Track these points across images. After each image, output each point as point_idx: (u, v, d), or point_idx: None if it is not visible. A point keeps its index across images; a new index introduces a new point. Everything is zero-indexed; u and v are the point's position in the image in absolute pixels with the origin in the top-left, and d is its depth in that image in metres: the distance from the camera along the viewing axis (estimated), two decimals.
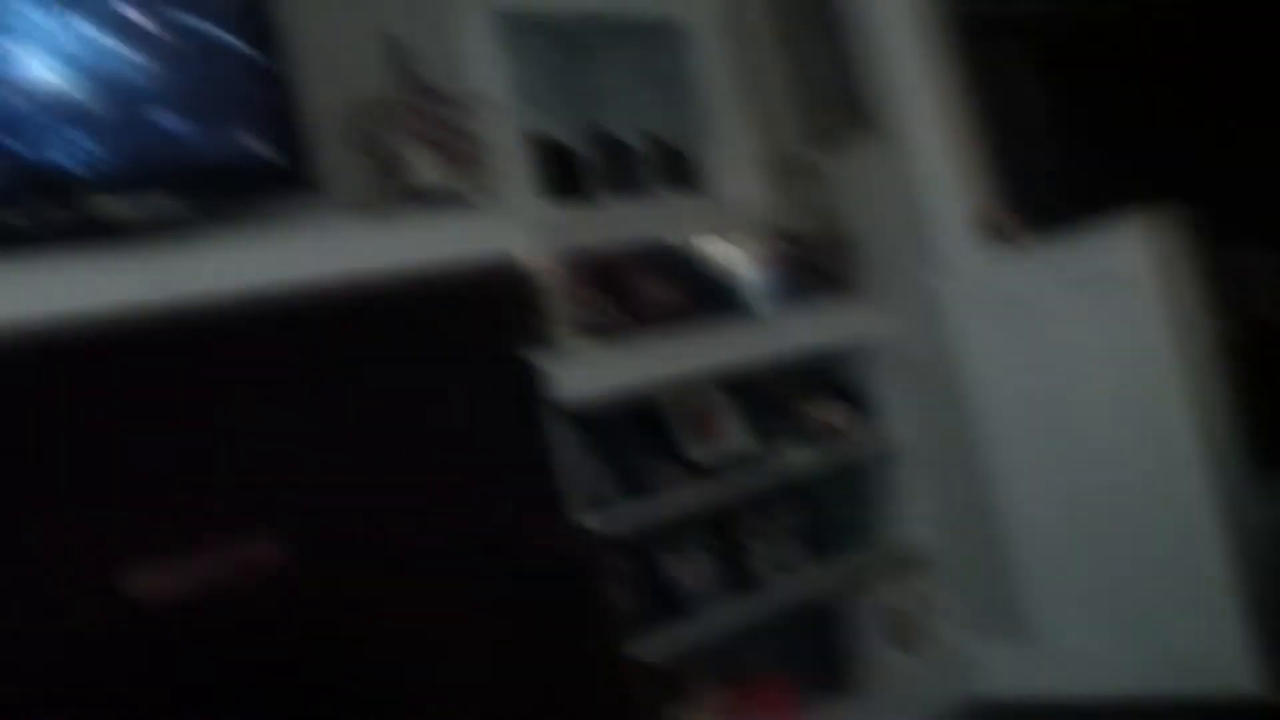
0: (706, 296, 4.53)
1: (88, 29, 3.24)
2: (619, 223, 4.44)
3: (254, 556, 3.15)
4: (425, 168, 3.73)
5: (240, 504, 3.17)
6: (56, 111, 3.15)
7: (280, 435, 3.27)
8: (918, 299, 4.66)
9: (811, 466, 4.46)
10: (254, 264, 3.28)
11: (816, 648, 4.52)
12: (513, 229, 3.81)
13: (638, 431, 4.22)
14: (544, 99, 4.41)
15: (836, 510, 4.69)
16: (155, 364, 3.12)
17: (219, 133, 3.40)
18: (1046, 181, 6.29)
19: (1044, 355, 4.33)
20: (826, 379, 4.79)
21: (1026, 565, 4.48)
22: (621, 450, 4.12)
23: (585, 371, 3.88)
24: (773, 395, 4.57)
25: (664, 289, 4.39)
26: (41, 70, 3.15)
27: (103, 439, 3.01)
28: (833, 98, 4.81)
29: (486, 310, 3.72)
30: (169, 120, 3.32)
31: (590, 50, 4.59)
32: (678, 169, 4.86)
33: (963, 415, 4.59)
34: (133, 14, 3.30)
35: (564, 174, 4.45)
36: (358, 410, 3.41)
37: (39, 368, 2.94)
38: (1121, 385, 4.13)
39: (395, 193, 3.77)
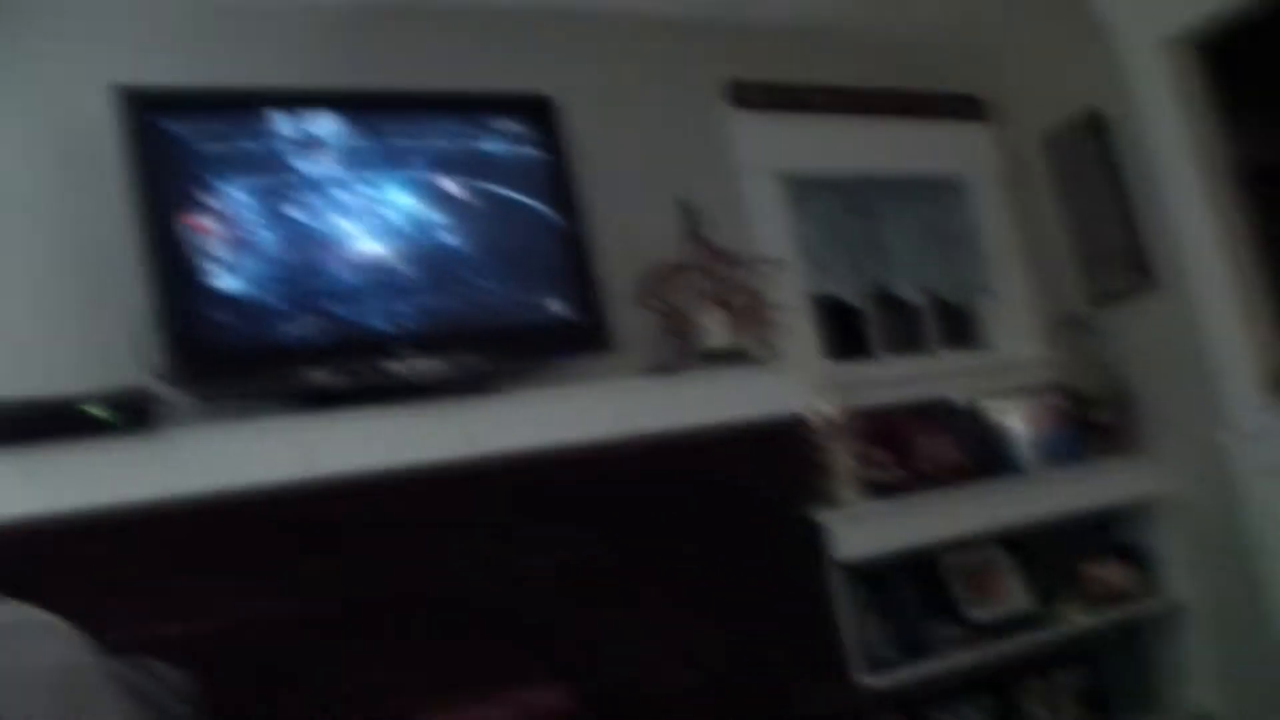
0: (986, 454, 4.53)
1: (410, 202, 3.49)
2: (900, 380, 4.52)
3: (543, 703, 3.26)
4: (713, 327, 3.87)
5: (530, 652, 3.31)
6: (376, 278, 3.40)
7: (568, 585, 3.42)
8: (1203, 456, 4.54)
9: (1092, 626, 4.36)
10: (550, 420, 3.46)
11: None
12: (797, 387, 3.92)
13: (916, 588, 4.22)
14: (827, 258, 4.52)
15: (1118, 671, 4.59)
16: (455, 515, 3.31)
17: (522, 294, 3.61)
18: None
19: None
20: (1108, 537, 4.71)
21: None
22: (900, 607, 4.13)
23: (865, 528, 3.92)
24: (1053, 554, 4.51)
25: (944, 446, 4.41)
26: (366, 241, 3.41)
27: (404, 586, 3.20)
28: (1114, 252, 4.78)
29: (770, 466, 3.82)
30: (476, 283, 3.54)
31: (872, 209, 4.69)
32: (958, 326, 4.90)
33: (1250, 574, 4.41)
34: (451, 187, 3.55)
35: (847, 332, 4.54)
36: (643, 562, 3.53)
37: (348, 519, 3.16)
38: None
39: (684, 351, 3.91)
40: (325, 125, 3.46)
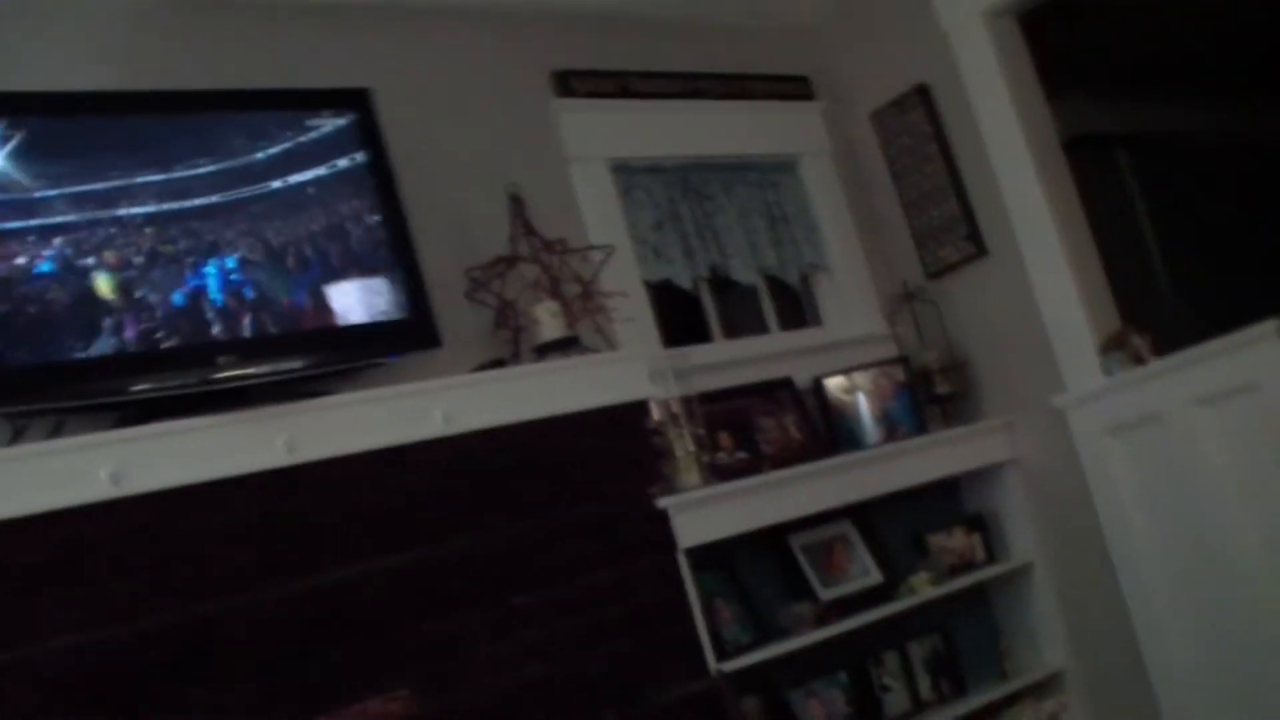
0: (829, 431, 4.55)
1: (223, 204, 3.39)
2: (738, 362, 4.51)
3: (385, 711, 3.21)
4: (546, 318, 3.82)
5: (376, 659, 3.27)
6: (192, 284, 3.30)
7: (410, 589, 3.37)
8: (1043, 420, 4.63)
9: (942, 596, 4.40)
10: (378, 421, 3.39)
11: None
12: (634, 374, 3.89)
13: (767, 570, 4.23)
14: (661, 243, 4.50)
15: (970, 638, 4.66)
16: (282, 526, 3.24)
17: (345, 294, 3.53)
18: (1169, 297, 6.26)
19: (1175, 471, 4.25)
20: (954, 506, 4.78)
21: (1164, 682, 4.38)
22: (750, 590, 4.13)
23: (709, 512, 3.90)
24: (900, 526, 4.56)
25: (786, 426, 4.42)
26: (177, 247, 3.31)
27: (235, 602, 3.12)
28: (947, 224, 4.83)
29: (611, 456, 3.79)
30: (297, 284, 3.46)
31: (704, 192, 4.68)
32: (795, 305, 4.92)
33: (1092, 532, 4.51)
34: (267, 187, 3.47)
35: (683, 317, 4.52)
36: (487, 560, 3.49)
37: (168, 537, 3.07)
38: (1260, 495, 4.05)
39: (518, 344, 3.87)
40: (135, 126, 3.35)
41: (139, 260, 3.24)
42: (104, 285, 3.18)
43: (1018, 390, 4.72)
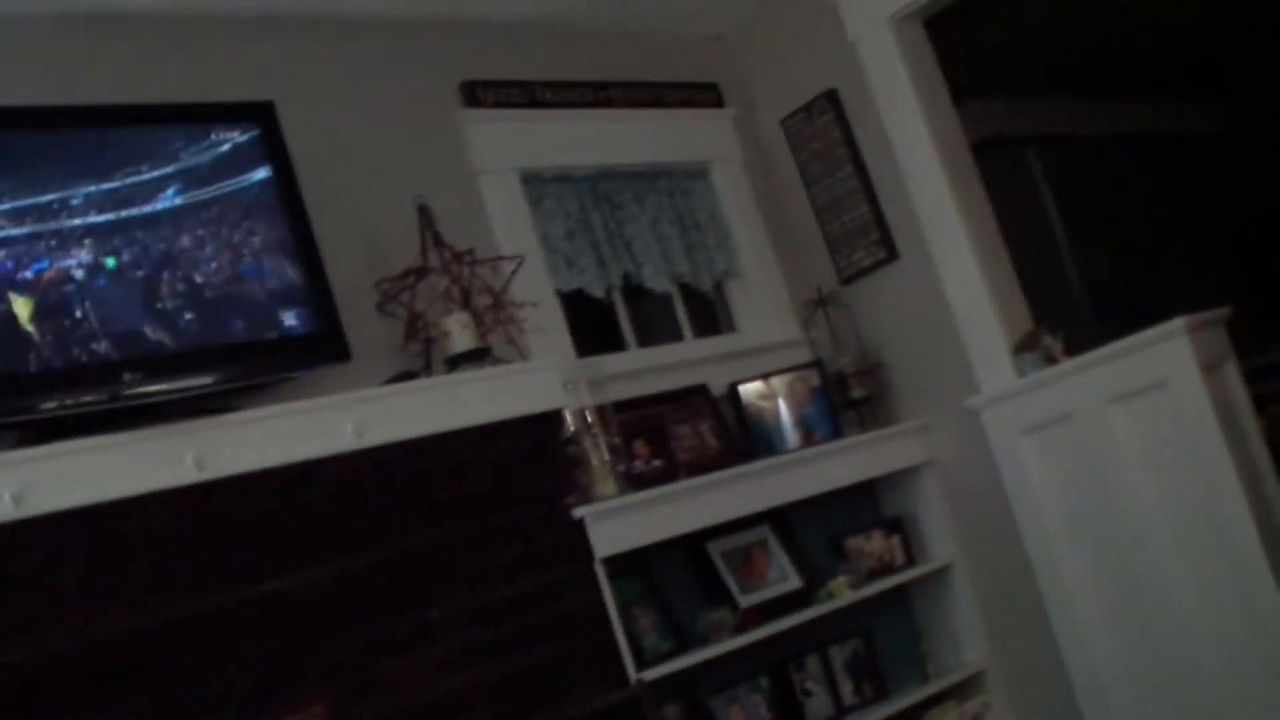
0: (745, 437, 4.55)
1: (126, 219, 3.33)
2: (653, 370, 4.50)
3: None
4: (457, 329, 3.79)
5: (294, 673, 3.23)
6: (94, 300, 3.23)
7: (328, 602, 3.33)
8: (958, 421, 4.66)
9: (861, 599, 4.40)
10: (289, 435, 3.34)
11: None
12: (548, 384, 3.85)
13: (686, 577, 4.22)
14: (573, 253, 4.48)
15: (890, 640, 4.67)
16: (194, 543, 3.18)
17: (253, 308, 3.47)
18: (1080, 297, 6.33)
19: (1089, 468, 4.30)
20: (872, 509, 4.79)
21: (1083, 678, 4.42)
22: (669, 596, 4.12)
23: (626, 521, 3.89)
24: (819, 530, 4.56)
25: (702, 433, 4.42)
26: (81, 263, 3.23)
27: (152, 620, 3.06)
28: (859, 228, 4.85)
29: (526, 466, 3.76)
30: (203, 300, 3.39)
31: (615, 201, 4.67)
32: (709, 312, 4.91)
33: (1010, 533, 4.55)
34: (171, 201, 3.40)
35: (597, 326, 4.50)
36: (406, 572, 3.46)
37: (76, 558, 3.00)
38: (1172, 491, 4.11)
39: (429, 356, 3.84)
40: (28, 142, 3.27)
41: (41, 277, 3.17)
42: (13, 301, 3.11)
43: (932, 393, 4.75)
